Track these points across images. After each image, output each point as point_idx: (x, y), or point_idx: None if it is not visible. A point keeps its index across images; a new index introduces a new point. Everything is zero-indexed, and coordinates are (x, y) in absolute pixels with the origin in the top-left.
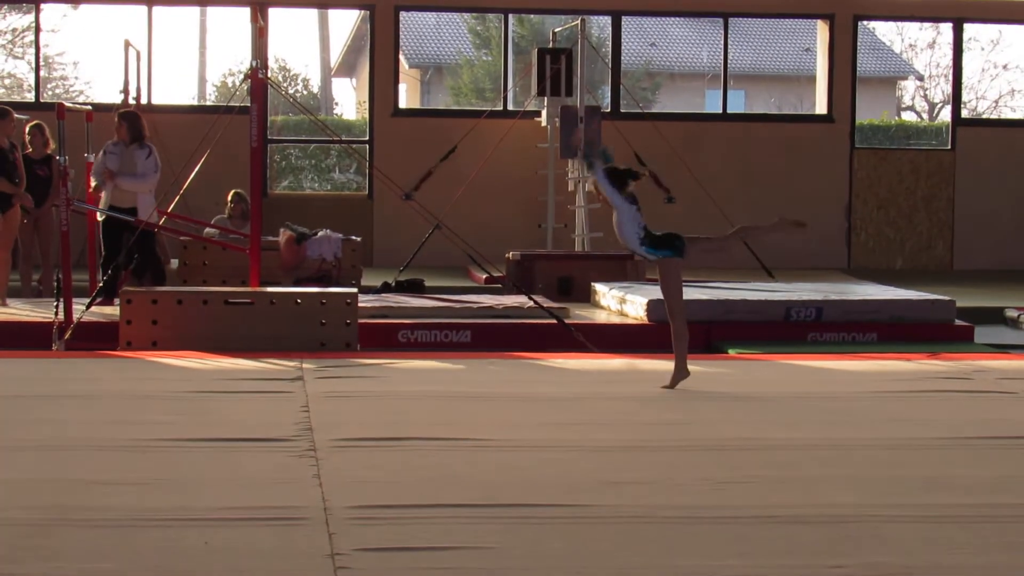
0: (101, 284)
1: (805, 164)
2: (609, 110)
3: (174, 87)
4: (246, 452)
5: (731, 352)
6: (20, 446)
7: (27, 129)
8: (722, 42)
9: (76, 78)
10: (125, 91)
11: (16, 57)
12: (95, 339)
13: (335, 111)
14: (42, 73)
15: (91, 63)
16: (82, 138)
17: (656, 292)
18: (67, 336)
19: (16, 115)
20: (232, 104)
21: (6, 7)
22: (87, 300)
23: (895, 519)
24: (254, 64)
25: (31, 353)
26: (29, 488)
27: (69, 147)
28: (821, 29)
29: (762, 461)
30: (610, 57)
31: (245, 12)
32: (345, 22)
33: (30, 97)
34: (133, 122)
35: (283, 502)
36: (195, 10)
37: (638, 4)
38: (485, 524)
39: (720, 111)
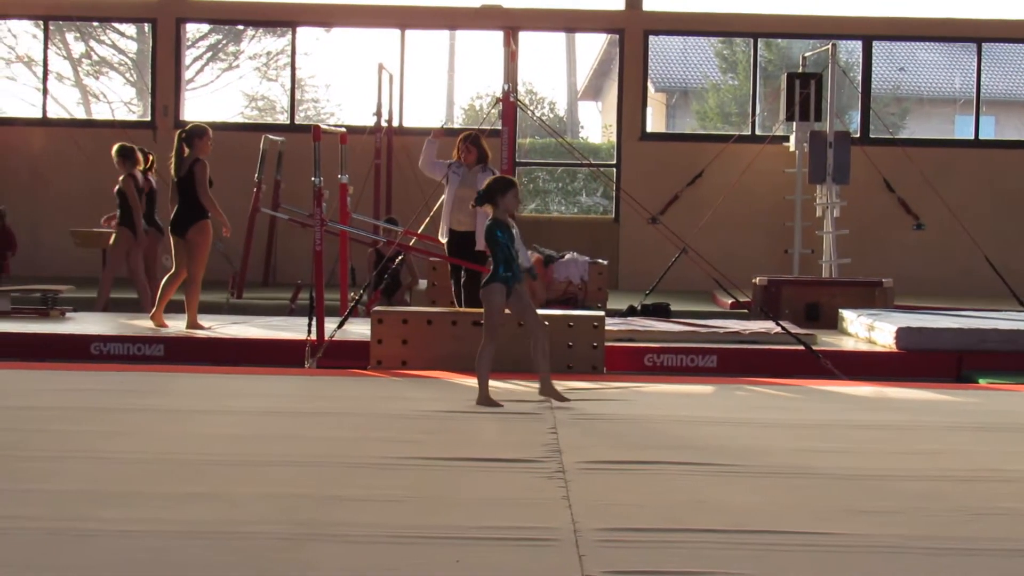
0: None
1: None
2: (858, 135)
3: (424, 110)
4: (496, 472)
5: (982, 382)
6: (275, 461)
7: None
8: (974, 67)
9: (328, 100)
10: (378, 113)
11: (270, 80)
12: (346, 358)
13: (580, 134)
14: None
15: (342, 85)
16: (336, 160)
17: (906, 320)
18: (319, 355)
19: (272, 136)
20: (483, 127)
21: (261, 31)
22: (339, 319)
23: None
24: (506, 87)
25: (284, 371)
26: (284, 503)
27: (324, 169)
28: None
29: (1015, 493)
30: (859, 82)
31: (491, 35)
32: (592, 46)
33: (282, 119)
34: (479, 145)
35: (533, 523)
36: (445, 33)
37: (889, 29)
38: (734, 550)
39: (972, 137)
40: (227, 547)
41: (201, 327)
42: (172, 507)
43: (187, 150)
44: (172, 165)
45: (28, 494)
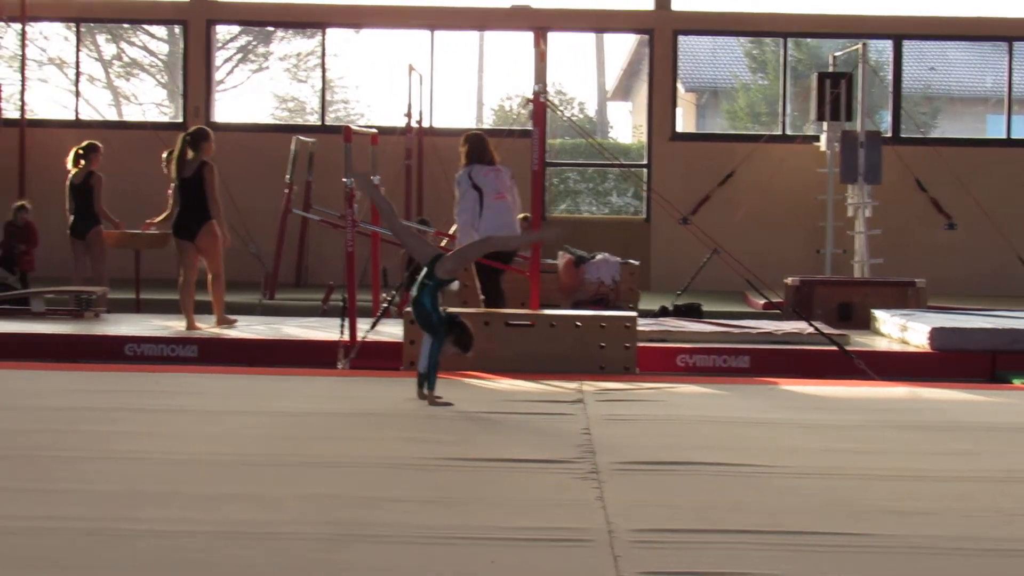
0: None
1: None
2: (889, 135)
3: (454, 110)
4: (530, 473)
5: (1016, 382)
6: (310, 462)
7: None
8: (1006, 66)
9: (358, 101)
10: (408, 114)
11: (300, 81)
12: (379, 359)
13: (610, 135)
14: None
15: (372, 86)
16: (367, 161)
17: (939, 320)
18: (352, 356)
19: (303, 138)
20: (513, 128)
21: (291, 32)
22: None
23: None
24: (536, 88)
25: (317, 372)
26: (320, 503)
27: (355, 170)
28: None
29: None
30: (890, 81)
31: (521, 36)
32: (621, 46)
33: (313, 120)
34: (471, 144)
35: (567, 523)
36: (475, 34)
37: (920, 28)
38: (770, 550)
39: (1004, 136)
40: (263, 548)
41: (229, 321)
42: (208, 507)
43: (191, 153)
44: (173, 166)
45: (64, 494)
